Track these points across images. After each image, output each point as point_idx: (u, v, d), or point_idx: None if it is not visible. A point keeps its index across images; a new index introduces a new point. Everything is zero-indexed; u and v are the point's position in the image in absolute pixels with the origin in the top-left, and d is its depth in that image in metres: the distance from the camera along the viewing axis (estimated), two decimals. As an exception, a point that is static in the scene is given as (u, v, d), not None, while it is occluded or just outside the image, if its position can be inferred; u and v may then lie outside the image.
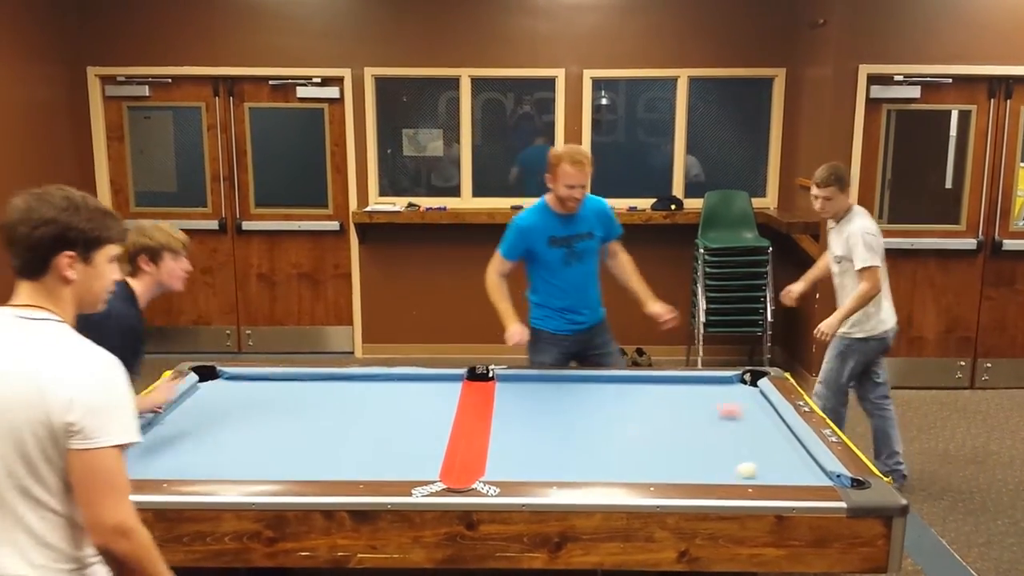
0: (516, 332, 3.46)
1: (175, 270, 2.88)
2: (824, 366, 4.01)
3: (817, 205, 3.86)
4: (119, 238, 1.71)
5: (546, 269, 3.58)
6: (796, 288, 4.09)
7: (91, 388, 1.55)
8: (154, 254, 2.86)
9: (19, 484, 1.55)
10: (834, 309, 5.41)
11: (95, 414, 1.54)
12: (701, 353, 5.64)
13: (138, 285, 2.86)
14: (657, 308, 3.62)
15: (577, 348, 3.67)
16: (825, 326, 3.81)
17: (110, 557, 1.62)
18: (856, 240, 3.72)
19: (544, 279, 3.62)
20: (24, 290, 1.62)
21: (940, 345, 5.53)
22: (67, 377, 1.54)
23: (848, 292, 3.84)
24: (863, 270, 3.71)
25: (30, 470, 1.55)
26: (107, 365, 1.59)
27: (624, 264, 3.75)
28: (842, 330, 3.85)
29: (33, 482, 1.55)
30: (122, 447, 1.58)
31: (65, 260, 1.60)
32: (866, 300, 3.73)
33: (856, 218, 3.82)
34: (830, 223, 3.96)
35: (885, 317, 3.90)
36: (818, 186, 3.81)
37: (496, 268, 3.65)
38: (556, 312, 3.64)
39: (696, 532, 2.28)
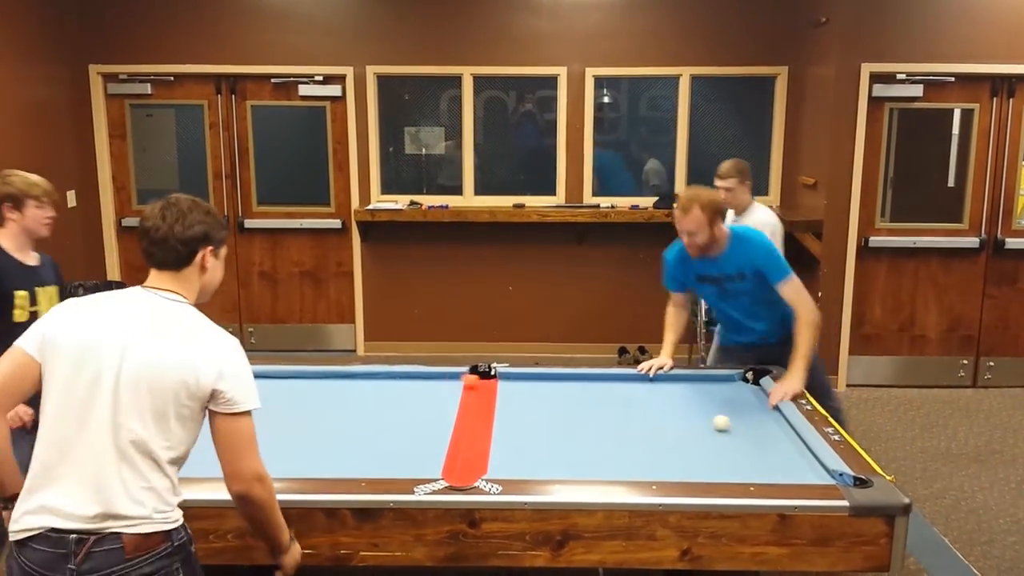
0: (648, 364, 3.38)
1: (39, 217, 3.04)
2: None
3: (721, 196, 3.96)
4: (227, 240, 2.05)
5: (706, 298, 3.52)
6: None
7: (235, 363, 1.88)
8: (17, 201, 3.00)
9: (145, 437, 1.81)
10: (837, 307, 5.42)
11: (240, 385, 1.87)
12: (703, 352, 5.63)
13: (5, 233, 3.01)
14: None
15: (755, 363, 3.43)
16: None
17: (246, 502, 1.92)
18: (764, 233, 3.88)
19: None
20: (164, 278, 1.93)
21: (942, 344, 5.53)
22: (216, 353, 1.86)
23: None
24: None
25: (161, 427, 1.82)
26: (238, 345, 1.93)
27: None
28: None
29: (161, 437, 1.83)
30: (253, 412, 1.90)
31: (207, 253, 1.94)
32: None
33: (760, 212, 4.18)
34: (731, 216, 4.19)
35: None
36: (720, 177, 4.11)
37: (671, 298, 3.58)
38: (724, 325, 3.65)
39: (698, 530, 2.28)
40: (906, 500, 2.29)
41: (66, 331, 1.84)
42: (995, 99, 5.26)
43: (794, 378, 3.09)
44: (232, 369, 1.86)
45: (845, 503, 2.28)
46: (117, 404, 1.80)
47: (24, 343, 1.85)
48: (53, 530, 1.77)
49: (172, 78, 5.88)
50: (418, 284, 6.13)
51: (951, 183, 5.54)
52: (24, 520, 1.80)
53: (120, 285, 5.67)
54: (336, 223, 6.05)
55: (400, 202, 5.94)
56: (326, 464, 2.56)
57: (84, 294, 2.09)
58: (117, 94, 5.92)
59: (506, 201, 5.95)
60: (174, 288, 1.92)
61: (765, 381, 3.30)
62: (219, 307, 6.18)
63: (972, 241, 5.40)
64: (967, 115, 5.35)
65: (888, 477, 2.43)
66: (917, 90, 5.23)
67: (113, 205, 6.04)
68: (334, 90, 5.86)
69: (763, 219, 4.13)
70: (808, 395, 3.13)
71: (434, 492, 2.32)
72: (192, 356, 1.83)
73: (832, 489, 2.36)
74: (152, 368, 1.81)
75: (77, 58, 5.78)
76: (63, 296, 3.03)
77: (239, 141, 5.97)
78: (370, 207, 5.90)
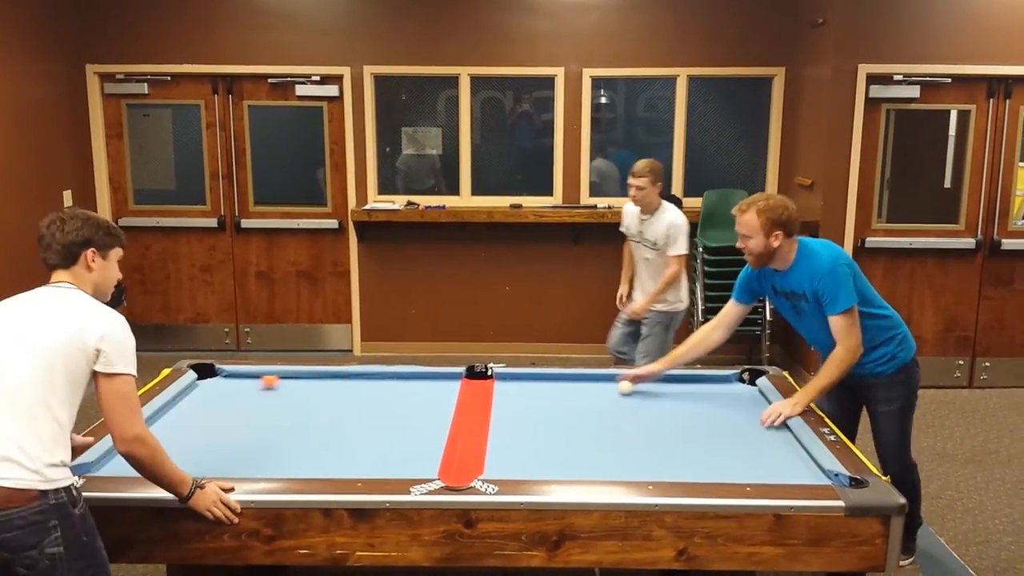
0: (630, 373, 3.27)
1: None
2: (651, 341, 4.41)
3: (631, 192, 4.31)
4: (122, 245, 2.44)
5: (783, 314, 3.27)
6: (632, 299, 4.58)
7: (116, 330, 2.17)
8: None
9: (43, 395, 2.08)
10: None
11: (119, 349, 2.15)
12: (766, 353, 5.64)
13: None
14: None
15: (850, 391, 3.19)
16: (637, 307, 4.40)
17: (132, 460, 2.17)
18: (677, 231, 4.27)
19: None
20: (58, 275, 2.26)
21: (939, 344, 5.54)
22: (99, 320, 2.17)
23: (658, 275, 4.36)
24: (677, 256, 4.28)
25: (51, 388, 2.09)
26: (122, 320, 2.23)
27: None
28: (663, 307, 4.39)
29: (53, 396, 2.09)
30: (133, 377, 2.17)
31: (89, 254, 2.27)
32: (673, 281, 4.32)
33: (671, 211, 4.34)
34: (642, 215, 4.38)
35: (685, 294, 4.52)
36: (634, 175, 4.27)
37: (722, 312, 3.30)
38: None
39: (694, 530, 2.28)
40: (901, 500, 2.30)
41: None
42: (991, 100, 5.28)
43: (793, 401, 2.91)
44: (113, 334, 2.15)
45: (841, 503, 2.28)
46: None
47: None
48: None
49: (169, 78, 5.88)
50: (415, 284, 6.13)
51: (947, 184, 5.55)
52: None
53: (116, 286, 5.64)
54: (333, 223, 6.04)
55: (397, 202, 5.94)
56: (323, 464, 2.56)
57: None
58: (114, 94, 5.91)
59: (503, 201, 5.95)
60: (67, 280, 2.25)
61: (761, 381, 3.31)
62: (216, 307, 6.19)
63: (968, 242, 5.41)
64: (964, 116, 5.36)
65: (884, 477, 2.44)
66: (914, 91, 5.24)
67: (110, 205, 6.03)
68: (331, 90, 5.86)
69: (672, 219, 4.31)
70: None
71: (430, 492, 2.32)
72: (81, 325, 2.14)
73: (828, 489, 2.36)
74: (50, 336, 2.12)
75: (74, 57, 5.77)
76: None
77: (236, 141, 5.97)
78: (367, 207, 5.90)
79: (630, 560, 2.31)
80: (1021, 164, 5.43)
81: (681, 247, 4.30)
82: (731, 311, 3.26)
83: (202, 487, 2.27)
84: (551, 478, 2.42)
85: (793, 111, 5.81)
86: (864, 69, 5.19)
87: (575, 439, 2.84)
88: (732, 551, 2.29)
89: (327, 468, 2.51)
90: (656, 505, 2.29)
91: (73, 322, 2.14)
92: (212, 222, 6.05)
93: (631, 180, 4.30)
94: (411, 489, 2.32)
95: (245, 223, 6.05)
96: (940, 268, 5.46)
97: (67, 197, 5.79)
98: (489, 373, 3.40)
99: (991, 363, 5.55)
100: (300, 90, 5.87)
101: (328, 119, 5.94)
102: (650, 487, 2.35)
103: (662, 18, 5.78)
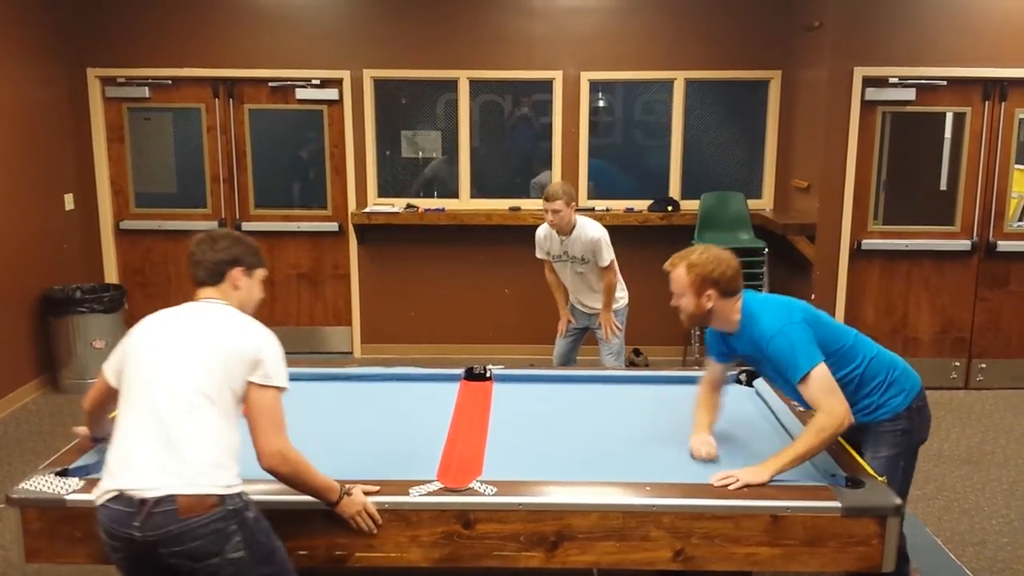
0: (702, 448, 2.71)
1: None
2: (616, 341, 4.53)
3: (549, 218, 4.33)
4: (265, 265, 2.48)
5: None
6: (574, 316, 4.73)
7: (272, 343, 2.24)
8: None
9: (211, 405, 2.12)
10: (831, 309, 5.44)
11: (275, 361, 2.20)
12: (697, 354, 5.67)
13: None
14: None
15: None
16: (611, 323, 4.49)
17: (275, 475, 2.18)
18: (600, 244, 4.33)
19: None
20: (205, 292, 2.32)
21: (935, 346, 5.56)
22: (257, 333, 2.24)
23: (592, 284, 4.48)
24: (609, 265, 4.36)
25: (220, 398, 2.14)
26: (273, 335, 2.27)
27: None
28: (616, 307, 4.51)
29: (221, 406, 2.14)
30: (282, 391, 2.20)
31: (236, 273, 2.34)
32: (615, 285, 4.45)
33: (588, 225, 4.38)
34: (560, 235, 4.41)
35: (623, 286, 4.62)
36: (548, 199, 4.28)
37: (705, 372, 2.97)
38: None
39: (692, 531, 2.30)
40: (897, 501, 2.32)
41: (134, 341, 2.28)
42: (987, 103, 5.30)
43: (758, 470, 2.43)
44: (270, 345, 2.22)
45: (837, 504, 2.30)
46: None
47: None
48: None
49: (170, 82, 5.90)
50: (414, 287, 6.15)
51: (943, 186, 5.57)
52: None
53: (118, 288, 5.69)
54: (333, 226, 6.06)
55: (397, 205, 5.96)
56: (322, 466, 2.56)
57: None
58: (115, 97, 5.93)
59: (502, 204, 5.98)
60: (214, 296, 2.31)
61: (758, 383, 3.32)
62: (216, 310, 6.19)
63: (964, 244, 5.44)
64: (959, 119, 5.39)
65: (880, 478, 2.46)
66: (909, 94, 5.27)
67: (111, 208, 6.05)
68: (331, 94, 5.89)
69: (592, 234, 4.34)
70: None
71: (429, 493, 2.34)
72: (240, 333, 2.21)
73: (824, 490, 2.37)
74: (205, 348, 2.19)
75: (75, 61, 5.80)
76: None
77: (236, 144, 5.99)
78: (367, 210, 5.92)
79: (628, 561, 2.32)
80: (1017, 166, 5.45)
81: (610, 255, 4.37)
82: (713, 370, 2.91)
83: (349, 493, 2.28)
84: (549, 479, 2.44)
85: (789, 114, 5.84)
86: (860, 72, 5.21)
87: (573, 440, 2.85)
88: (729, 551, 2.31)
89: (327, 469, 2.50)
90: (654, 506, 2.30)
91: (233, 334, 2.21)
92: (213, 225, 6.07)
93: (547, 205, 4.30)
94: (410, 490, 2.34)
95: (246, 226, 6.07)
96: (936, 270, 5.48)
97: (68, 200, 5.81)
98: (488, 375, 3.42)
99: (987, 364, 5.57)
100: (300, 94, 5.89)
101: (328, 122, 5.97)
102: (648, 488, 2.37)
103: (659, 22, 5.81)
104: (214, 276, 2.31)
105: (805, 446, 2.47)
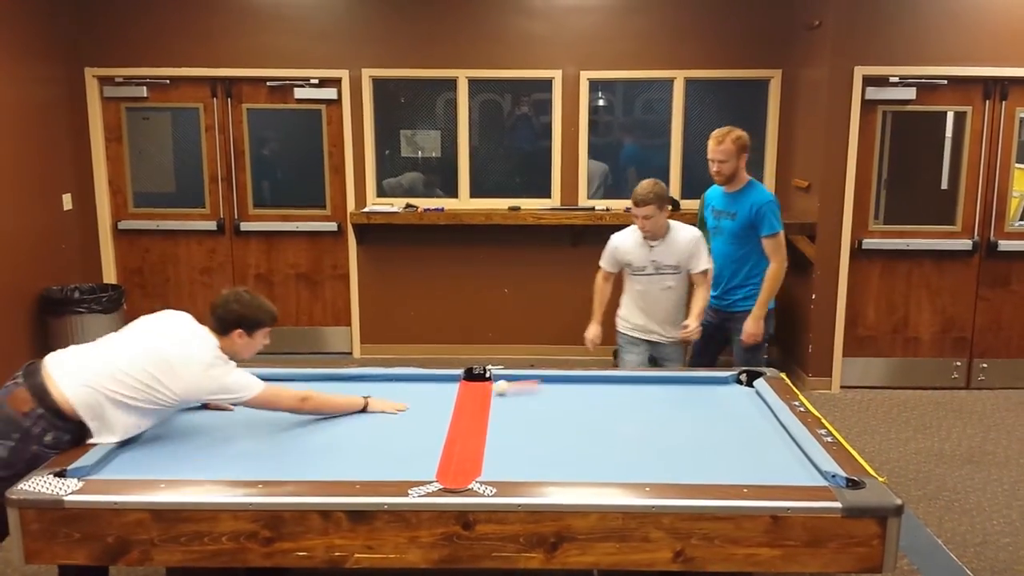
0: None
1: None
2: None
3: (639, 224, 3.88)
4: (272, 322, 2.96)
5: None
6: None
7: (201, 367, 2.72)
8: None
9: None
10: (831, 309, 5.44)
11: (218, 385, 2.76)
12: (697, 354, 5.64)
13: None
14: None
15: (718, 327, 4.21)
16: (694, 326, 3.87)
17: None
18: (701, 244, 3.94)
19: None
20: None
21: (936, 345, 5.55)
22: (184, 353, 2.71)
23: (680, 302, 3.99)
24: (708, 268, 3.97)
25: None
26: (202, 359, 2.71)
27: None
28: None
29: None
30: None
31: (238, 332, 2.82)
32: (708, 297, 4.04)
33: (684, 227, 3.97)
34: (650, 242, 3.92)
35: None
36: (637, 203, 3.81)
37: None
38: None
39: (691, 532, 2.29)
40: (898, 501, 2.31)
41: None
42: (988, 102, 5.29)
43: (752, 321, 3.99)
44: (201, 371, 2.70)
45: (837, 504, 2.29)
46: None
47: None
48: None
49: (168, 81, 5.89)
50: (414, 287, 6.14)
51: (944, 185, 5.56)
52: None
53: (116, 288, 5.68)
54: (332, 226, 6.05)
55: (396, 205, 5.95)
56: (321, 466, 2.57)
57: None
58: (113, 97, 5.92)
59: (501, 204, 5.96)
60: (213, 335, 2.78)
61: (758, 383, 3.32)
62: (215, 310, 6.18)
63: (965, 243, 5.42)
64: (960, 118, 5.37)
65: (880, 478, 2.45)
66: (910, 93, 5.26)
67: (109, 208, 6.04)
68: (330, 93, 5.87)
69: (689, 234, 3.95)
70: (803, 397, 3.14)
71: (428, 494, 2.33)
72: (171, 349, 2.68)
73: (824, 490, 2.37)
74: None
75: (73, 61, 5.79)
76: None
77: (235, 144, 5.98)
78: (366, 210, 5.91)
79: (628, 562, 2.31)
80: (1017, 165, 5.44)
81: (708, 257, 3.96)
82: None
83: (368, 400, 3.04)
84: (549, 480, 2.43)
85: (790, 113, 5.82)
86: (860, 71, 5.20)
87: (573, 441, 2.84)
88: (729, 552, 2.30)
89: (325, 470, 2.52)
90: (654, 507, 2.30)
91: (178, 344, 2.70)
92: (211, 225, 6.06)
93: (635, 210, 3.81)
94: (409, 491, 2.33)
95: (244, 226, 6.06)
96: (937, 269, 5.47)
97: (66, 200, 5.80)
98: (487, 375, 3.40)
99: (988, 364, 5.56)
100: (299, 93, 5.88)
101: (327, 122, 5.95)
102: (647, 489, 2.36)
103: (659, 21, 5.79)
104: (220, 326, 2.78)
105: (770, 290, 3.99)
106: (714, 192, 4.26)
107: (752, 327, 3.99)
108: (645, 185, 3.84)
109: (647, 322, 4.00)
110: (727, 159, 3.97)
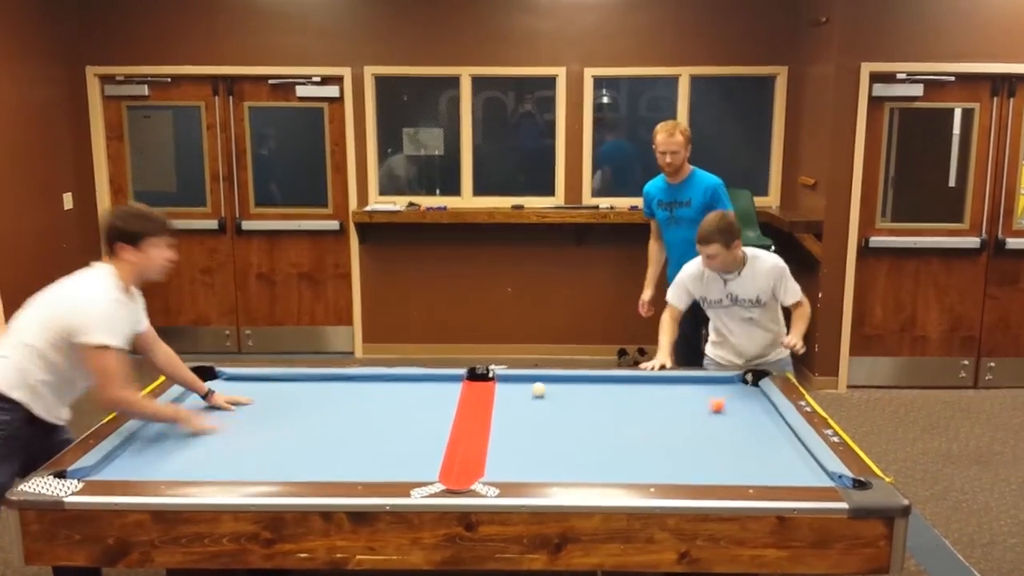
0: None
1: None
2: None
3: (706, 263, 3.43)
4: (160, 231, 2.81)
5: None
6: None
7: (88, 307, 2.63)
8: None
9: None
10: (838, 308, 5.40)
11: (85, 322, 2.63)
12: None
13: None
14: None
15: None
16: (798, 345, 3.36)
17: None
18: (785, 274, 3.46)
19: None
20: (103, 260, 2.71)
21: (943, 344, 5.51)
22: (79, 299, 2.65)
23: (766, 326, 3.50)
24: (801, 298, 3.50)
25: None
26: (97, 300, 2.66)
27: None
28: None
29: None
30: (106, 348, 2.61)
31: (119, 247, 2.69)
32: (808, 313, 3.52)
33: (762, 256, 3.50)
34: (725, 275, 3.45)
35: None
36: (702, 242, 3.34)
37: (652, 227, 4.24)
38: None
39: (697, 533, 2.27)
40: (905, 502, 2.28)
41: None
42: (995, 99, 5.25)
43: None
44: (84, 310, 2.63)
45: (844, 505, 2.26)
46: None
47: None
48: None
49: (169, 79, 5.87)
50: (416, 286, 6.12)
51: (952, 183, 5.53)
52: None
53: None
54: (334, 225, 6.03)
55: (398, 203, 5.93)
56: (322, 467, 2.55)
57: None
58: (114, 95, 5.91)
59: (505, 202, 5.94)
60: (105, 263, 2.72)
61: (764, 383, 3.29)
62: (216, 309, 6.18)
63: (973, 241, 5.39)
64: (967, 115, 5.34)
65: (887, 479, 2.42)
66: (917, 90, 5.22)
67: (111, 207, 6.03)
68: (332, 91, 5.85)
69: (773, 263, 3.49)
70: (809, 396, 3.11)
71: (431, 495, 2.31)
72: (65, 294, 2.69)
73: (831, 491, 2.34)
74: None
75: (74, 59, 5.77)
76: None
77: (236, 142, 5.96)
78: (368, 208, 5.89)
79: (632, 563, 2.29)
80: (1025, 162, 5.41)
81: (797, 287, 3.49)
82: (654, 226, 4.52)
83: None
84: (552, 480, 2.40)
85: (796, 110, 5.79)
86: (867, 67, 5.16)
87: (576, 441, 2.82)
88: (735, 554, 2.28)
89: (327, 471, 2.50)
90: (658, 508, 2.27)
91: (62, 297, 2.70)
92: (213, 224, 6.04)
93: (700, 248, 3.35)
94: (412, 492, 2.31)
95: (246, 225, 6.04)
96: (944, 267, 5.43)
97: (68, 199, 5.79)
98: (490, 375, 3.38)
99: (996, 363, 5.52)
100: (301, 91, 5.86)
101: (329, 120, 5.93)
102: (652, 489, 2.33)
103: (664, 17, 5.76)
104: (107, 248, 2.70)
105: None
106: (654, 186, 4.45)
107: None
108: (711, 220, 3.36)
109: (737, 357, 3.55)
110: (679, 150, 4.21)
